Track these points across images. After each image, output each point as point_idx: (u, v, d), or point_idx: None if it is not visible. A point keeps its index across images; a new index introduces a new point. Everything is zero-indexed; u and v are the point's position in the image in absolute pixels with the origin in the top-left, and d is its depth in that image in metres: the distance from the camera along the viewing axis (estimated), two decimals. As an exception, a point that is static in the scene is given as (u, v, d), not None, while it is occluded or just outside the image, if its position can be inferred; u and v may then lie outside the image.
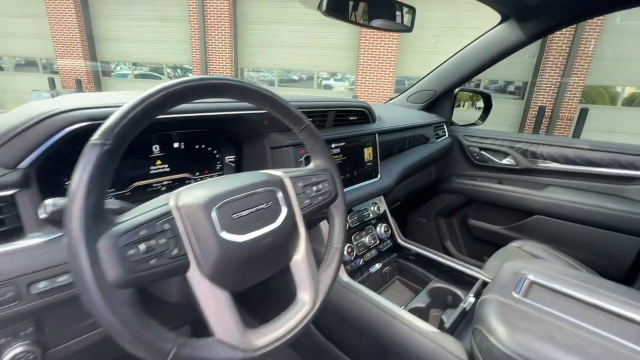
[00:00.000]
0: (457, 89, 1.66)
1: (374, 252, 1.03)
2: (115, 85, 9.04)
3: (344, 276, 0.88)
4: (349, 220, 0.98)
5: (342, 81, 8.07)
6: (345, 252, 0.92)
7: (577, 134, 6.59)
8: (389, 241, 1.09)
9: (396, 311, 0.76)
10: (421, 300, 0.90)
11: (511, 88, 8.08)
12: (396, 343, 0.73)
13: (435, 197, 1.76)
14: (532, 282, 0.73)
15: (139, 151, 0.70)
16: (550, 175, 1.44)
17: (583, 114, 6.55)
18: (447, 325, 0.73)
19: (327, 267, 0.57)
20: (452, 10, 7.17)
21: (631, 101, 7.14)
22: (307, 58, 7.85)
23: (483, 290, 0.73)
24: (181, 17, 7.95)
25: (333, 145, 0.93)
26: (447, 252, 1.76)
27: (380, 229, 1.07)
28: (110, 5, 8.31)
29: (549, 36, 7.02)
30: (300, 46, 7.75)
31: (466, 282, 0.94)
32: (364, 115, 1.07)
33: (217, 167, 0.84)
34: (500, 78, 7.96)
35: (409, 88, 1.70)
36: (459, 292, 0.93)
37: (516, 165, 1.50)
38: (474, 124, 1.81)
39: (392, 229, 1.11)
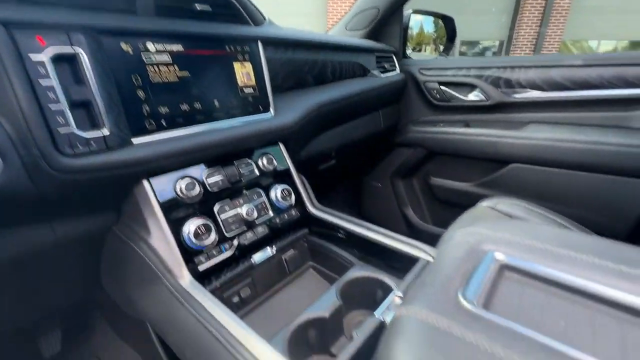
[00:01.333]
0: (408, 9, 1.25)
1: (262, 230, 0.64)
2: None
3: (181, 278, 0.50)
4: (208, 181, 0.58)
5: None
6: (189, 234, 0.52)
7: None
8: (293, 212, 0.71)
9: (252, 343, 0.39)
10: (325, 305, 0.53)
11: (489, 53, 7.75)
12: None
13: (389, 154, 1.39)
14: (504, 267, 0.36)
15: None
16: (531, 109, 1.07)
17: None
18: (335, 350, 0.36)
19: None
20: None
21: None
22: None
23: (406, 295, 0.37)
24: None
25: (153, 48, 0.51)
26: (408, 222, 1.40)
27: (276, 193, 0.68)
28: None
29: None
30: None
31: (406, 264, 0.58)
32: (233, 11, 0.65)
33: None
34: (474, 38, 7.59)
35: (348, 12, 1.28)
36: (391, 283, 0.56)
37: (486, 101, 1.12)
38: (435, 59, 1.42)
39: (298, 193, 0.72)
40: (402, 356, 0.25)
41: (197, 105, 0.57)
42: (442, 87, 1.19)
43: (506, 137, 1.05)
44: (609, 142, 0.90)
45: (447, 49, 1.40)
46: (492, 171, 1.12)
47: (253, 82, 0.67)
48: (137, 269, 0.52)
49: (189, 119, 0.56)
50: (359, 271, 0.59)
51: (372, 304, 0.52)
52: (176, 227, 0.53)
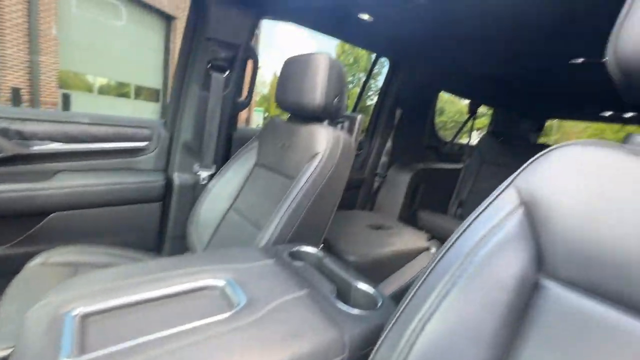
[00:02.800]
0: None
1: None
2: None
3: None
4: None
5: None
6: None
7: (68, 119, 6.41)
8: None
9: None
10: None
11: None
12: None
13: None
14: (85, 316, 0.47)
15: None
16: (55, 159, 1.13)
17: (66, 99, 6.52)
18: None
19: None
20: None
21: (104, 91, 8.13)
22: None
23: None
24: None
25: None
26: None
27: None
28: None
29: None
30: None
31: None
32: None
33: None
34: None
35: None
36: None
37: (0, 153, 1.02)
38: None
39: None
40: None
41: None
42: None
43: (40, 189, 1.04)
44: (124, 182, 1.20)
45: None
46: (32, 226, 1.05)
47: None
48: None
49: None
50: None
51: None
52: None
